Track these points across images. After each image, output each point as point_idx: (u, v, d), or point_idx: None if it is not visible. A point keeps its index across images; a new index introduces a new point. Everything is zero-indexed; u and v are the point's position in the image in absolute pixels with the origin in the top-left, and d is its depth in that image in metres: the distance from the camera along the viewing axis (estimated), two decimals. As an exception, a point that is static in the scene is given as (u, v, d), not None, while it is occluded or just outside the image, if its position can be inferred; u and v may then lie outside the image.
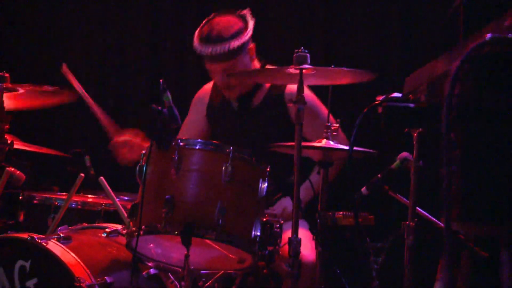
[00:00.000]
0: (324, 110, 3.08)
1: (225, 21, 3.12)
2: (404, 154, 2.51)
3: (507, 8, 1.56)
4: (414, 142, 2.47)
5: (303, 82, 2.57)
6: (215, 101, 3.39)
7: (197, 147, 2.52)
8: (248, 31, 3.13)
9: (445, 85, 1.53)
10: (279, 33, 4.01)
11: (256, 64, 3.24)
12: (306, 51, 2.61)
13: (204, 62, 3.20)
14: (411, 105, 1.82)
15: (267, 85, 3.26)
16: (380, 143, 3.26)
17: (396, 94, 2.35)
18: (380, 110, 2.31)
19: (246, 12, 3.17)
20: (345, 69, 2.56)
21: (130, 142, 3.22)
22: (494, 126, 1.55)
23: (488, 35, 1.48)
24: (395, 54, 3.85)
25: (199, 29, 3.15)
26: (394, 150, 2.63)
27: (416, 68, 2.10)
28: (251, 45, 3.19)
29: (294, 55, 2.59)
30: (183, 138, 3.31)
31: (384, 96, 2.34)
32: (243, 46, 3.11)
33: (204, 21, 3.17)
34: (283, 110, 3.16)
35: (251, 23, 3.15)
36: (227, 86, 3.22)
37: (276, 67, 3.26)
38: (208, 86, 3.46)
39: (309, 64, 2.59)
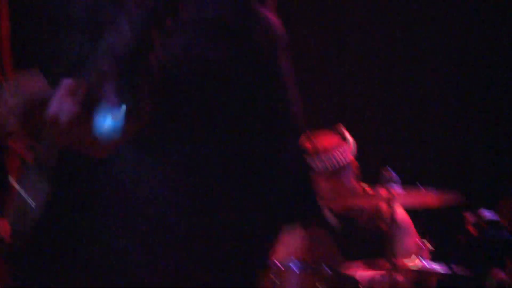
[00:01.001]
0: (413, 228, 3.11)
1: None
2: (501, 274, 2.50)
3: None
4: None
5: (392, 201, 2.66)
6: None
7: (294, 268, 2.60)
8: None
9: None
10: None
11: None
12: (392, 171, 2.70)
13: None
14: (510, 237, 1.88)
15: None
16: (471, 257, 3.23)
17: (485, 213, 2.39)
18: (472, 231, 2.35)
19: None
20: (433, 191, 2.60)
21: None
22: None
23: None
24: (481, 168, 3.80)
25: None
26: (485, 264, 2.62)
27: (498, 183, 2.11)
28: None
29: (381, 175, 2.68)
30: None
31: (475, 218, 2.39)
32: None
33: None
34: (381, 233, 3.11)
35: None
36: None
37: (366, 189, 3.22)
38: None
39: (396, 183, 2.68)
